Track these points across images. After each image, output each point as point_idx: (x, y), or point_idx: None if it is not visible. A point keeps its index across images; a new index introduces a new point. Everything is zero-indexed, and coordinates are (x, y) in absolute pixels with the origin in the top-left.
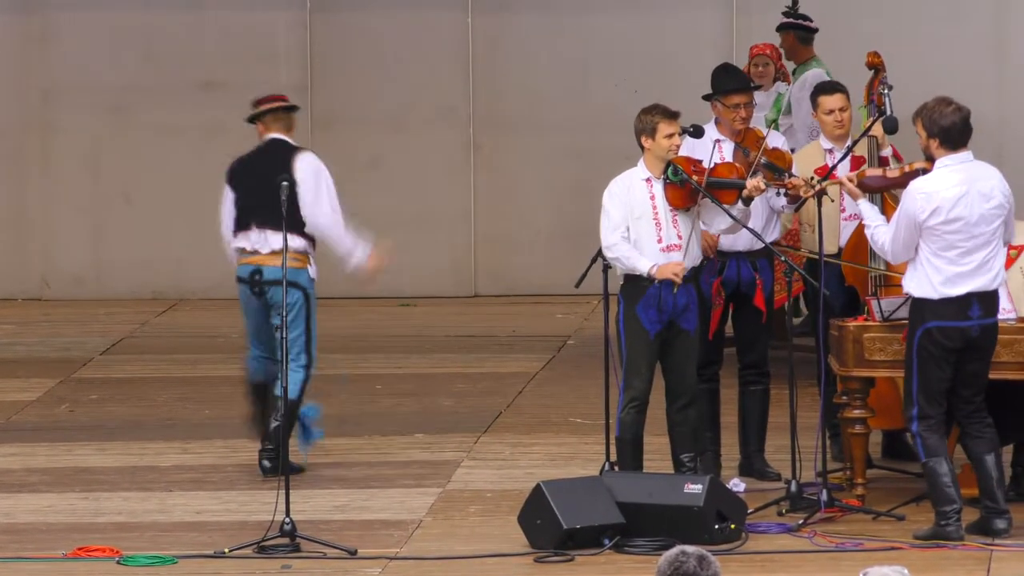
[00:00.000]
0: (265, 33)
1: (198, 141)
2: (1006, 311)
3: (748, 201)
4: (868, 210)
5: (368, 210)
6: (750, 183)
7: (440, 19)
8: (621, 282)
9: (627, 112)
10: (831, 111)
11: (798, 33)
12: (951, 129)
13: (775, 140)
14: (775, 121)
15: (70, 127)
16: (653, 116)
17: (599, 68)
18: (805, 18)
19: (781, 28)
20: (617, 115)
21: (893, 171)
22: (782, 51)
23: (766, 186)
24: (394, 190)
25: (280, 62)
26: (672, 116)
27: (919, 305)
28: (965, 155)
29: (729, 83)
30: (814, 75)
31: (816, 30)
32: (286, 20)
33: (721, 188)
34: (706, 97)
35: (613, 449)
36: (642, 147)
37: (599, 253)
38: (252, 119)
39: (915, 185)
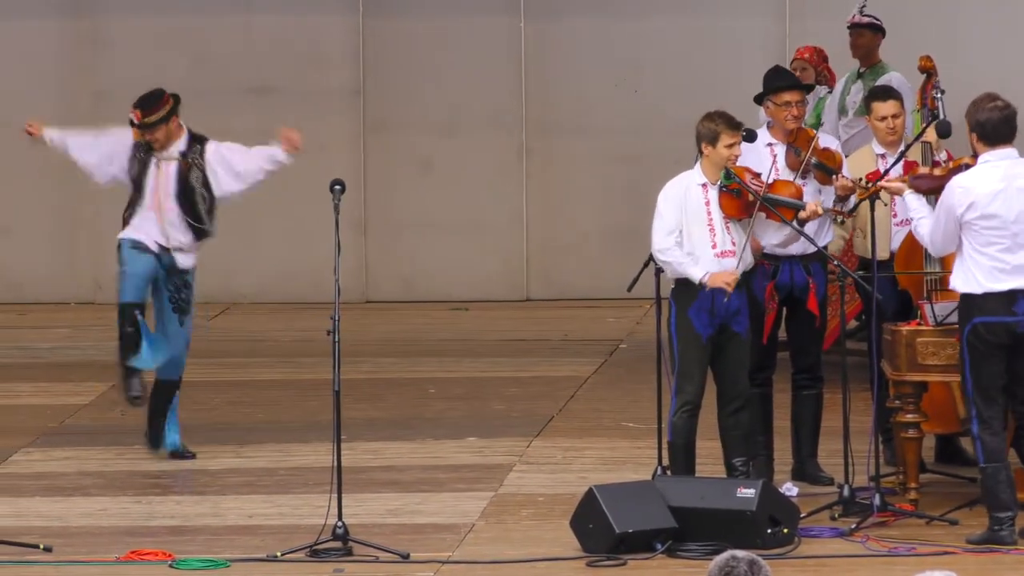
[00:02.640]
0: (317, 37)
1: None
2: None
3: (803, 223)
4: (913, 202)
5: (420, 214)
6: (808, 207)
7: (492, 24)
8: (672, 286)
9: (678, 116)
10: (883, 117)
11: (875, 33)
12: (986, 124)
13: (826, 140)
14: (814, 125)
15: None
16: (716, 124)
17: (650, 73)
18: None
19: (856, 27)
20: (668, 119)
21: (940, 170)
22: (828, 55)
23: (823, 211)
24: (446, 194)
25: (333, 66)
26: (735, 127)
27: (966, 301)
28: (1007, 151)
29: (779, 81)
30: (899, 79)
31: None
32: (339, 24)
33: (777, 206)
34: (757, 100)
35: (665, 453)
36: (701, 152)
37: (652, 257)
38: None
39: (956, 179)
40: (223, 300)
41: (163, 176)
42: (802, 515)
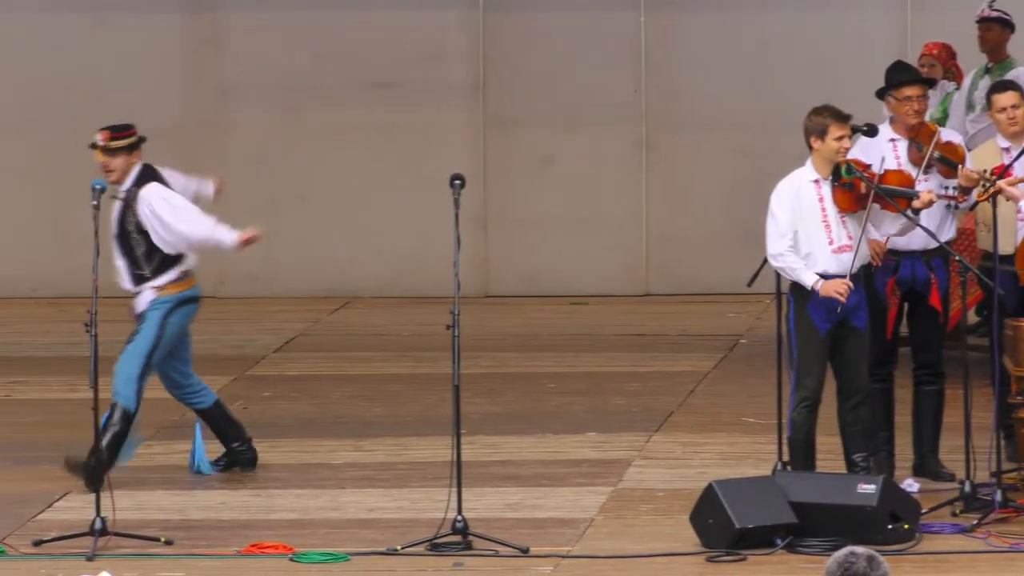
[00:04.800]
0: (438, 33)
1: (369, 140)
2: None
3: (917, 212)
4: None
5: (540, 209)
6: (923, 196)
7: (612, 18)
8: (791, 281)
9: (800, 111)
10: (1003, 108)
11: (1004, 28)
12: None
13: (948, 134)
14: (940, 120)
15: (242, 126)
16: (824, 117)
17: (772, 66)
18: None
19: (985, 21)
20: (789, 113)
21: None
22: (956, 51)
23: (938, 197)
24: (566, 189)
25: (452, 61)
26: (843, 119)
27: None
28: None
29: (900, 76)
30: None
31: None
32: (458, 19)
33: (891, 196)
34: (879, 94)
35: (786, 449)
36: (810, 147)
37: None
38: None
39: None
40: (343, 294)
41: (113, 215)
42: (923, 511)
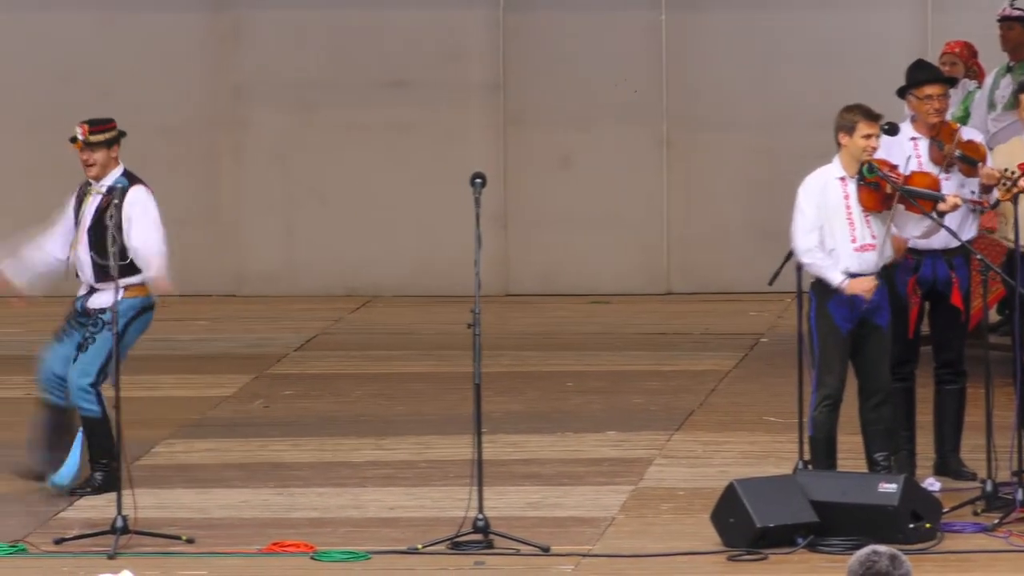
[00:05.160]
0: (457, 32)
1: (389, 139)
2: None
3: (942, 215)
4: None
5: (560, 207)
6: (948, 199)
7: (632, 17)
8: (812, 280)
9: (819, 110)
10: None
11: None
12: None
13: (969, 133)
14: (962, 119)
15: (261, 124)
16: (854, 115)
17: (791, 66)
18: None
19: (1007, 20)
20: (810, 112)
21: None
22: (977, 50)
23: (964, 201)
24: (586, 187)
25: (472, 60)
26: (873, 117)
27: None
28: None
29: (921, 75)
30: None
31: None
32: (478, 18)
33: (916, 197)
34: (900, 93)
35: (807, 447)
36: (839, 144)
37: (792, 251)
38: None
39: None
40: (364, 293)
41: (88, 208)
42: (944, 510)
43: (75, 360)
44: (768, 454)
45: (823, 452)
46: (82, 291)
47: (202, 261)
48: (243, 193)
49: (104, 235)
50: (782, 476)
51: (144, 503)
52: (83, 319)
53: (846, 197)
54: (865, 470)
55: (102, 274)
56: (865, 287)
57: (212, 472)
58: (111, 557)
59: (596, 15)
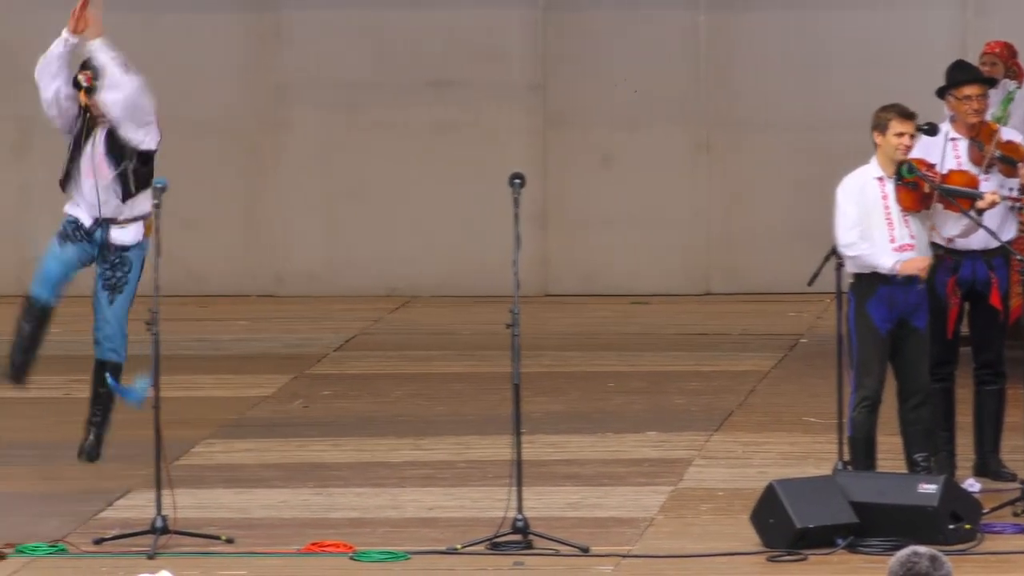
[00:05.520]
0: (497, 31)
1: (429, 139)
2: None
3: (981, 213)
4: None
5: (600, 208)
6: (986, 197)
7: (672, 17)
8: (851, 280)
9: (859, 110)
10: None
11: None
12: None
13: (1009, 133)
14: (1001, 119)
15: (302, 124)
16: (888, 113)
17: (831, 66)
18: None
19: None
20: (849, 113)
21: None
22: (1017, 50)
23: (1002, 198)
24: (626, 188)
25: (512, 60)
26: (907, 116)
27: None
28: None
29: (960, 75)
30: None
31: None
32: (519, 18)
33: (954, 196)
34: (939, 94)
35: (846, 448)
36: (875, 144)
37: (832, 251)
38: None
39: None
40: (404, 293)
41: (98, 140)
42: (984, 511)
43: (111, 303)
44: (808, 455)
45: (862, 453)
46: (87, 218)
47: (242, 261)
48: (284, 193)
49: (122, 153)
50: (822, 477)
51: (183, 503)
52: (100, 251)
53: (884, 197)
54: (905, 471)
55: (127, 194)
56: (919, 265)
57: (251, 472)
58: (150, 557)
59: (636, 15)
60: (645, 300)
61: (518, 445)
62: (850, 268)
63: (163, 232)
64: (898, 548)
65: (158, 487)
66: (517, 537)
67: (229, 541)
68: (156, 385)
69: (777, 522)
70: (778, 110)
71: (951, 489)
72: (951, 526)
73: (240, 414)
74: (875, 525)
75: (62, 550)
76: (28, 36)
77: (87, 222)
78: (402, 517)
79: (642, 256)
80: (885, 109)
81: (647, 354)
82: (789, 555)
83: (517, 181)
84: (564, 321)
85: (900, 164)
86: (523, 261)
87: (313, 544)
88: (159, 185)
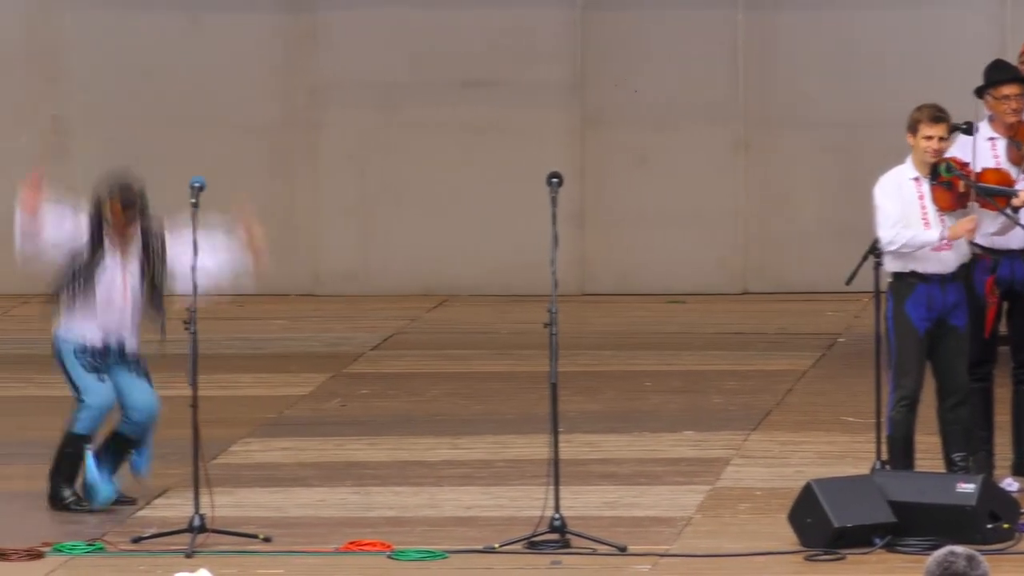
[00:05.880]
0: (535, 31)
1: (466, 139)
2: None
3: (1017, 210)
4: None
5: (637, 206)
6: (1022, 195)
7: (710, 16)
8: (889, 279)
9: (897, 109)
10: None
11: None
12: None
13: None
14: None
15: (337, 124)
16: (919, 114)
17: (869, 65)
18: None
19: None
20: (887, 112)
21: None
22: None
23: None
24: (664, 187)
25: (549, 60)
26: (937, 119)
27: None
28: None
29: (998, 75)
30: None
31: None
32: (556, 18)
33: (990, 194)
34: (978, 93)
35: (884, 448)
36: (909, 144)
37: (870, 250)
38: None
39: None
40: (441, 292)
41: (129, 272)
42: (1022, 510)
43: (149, 385)
44: (845, 454)
45: (901, 452)
46: (99, 339)
47: (280, 261)
48: (320, 193)
49: (158, 292)
50: (859, 476)
51: (221, 502)
52: (122, 358)
53: (920, 197)
54: (943, 470)
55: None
56: (967, 227)
57: (289, 471)
58: (188, 556)
59: (673, 14)
60: (682, 299)
61: (555, 444)
62: (889, 267)
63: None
64: (936, 548)
65: (196, 486)
66: (554, 536)
67: (266, 540)
68: (194, 384)
69: (815, 521)
70: (816, 109)
71: (989, 488)
72: (989, 525)
73: (278, 413)
74: (913, 524)
75: (100, 548)
76: (67, 36)
77: (106, 344)
78: (440, 516)
79: (679, 255)
80: (918, 110)
81: (684, 353)
82: (827, 555)
83: (555, 180)
84: (601, 320)
85: (939, 163)
86: (561, 260)
87: (351, 543)
88: (196, 184)
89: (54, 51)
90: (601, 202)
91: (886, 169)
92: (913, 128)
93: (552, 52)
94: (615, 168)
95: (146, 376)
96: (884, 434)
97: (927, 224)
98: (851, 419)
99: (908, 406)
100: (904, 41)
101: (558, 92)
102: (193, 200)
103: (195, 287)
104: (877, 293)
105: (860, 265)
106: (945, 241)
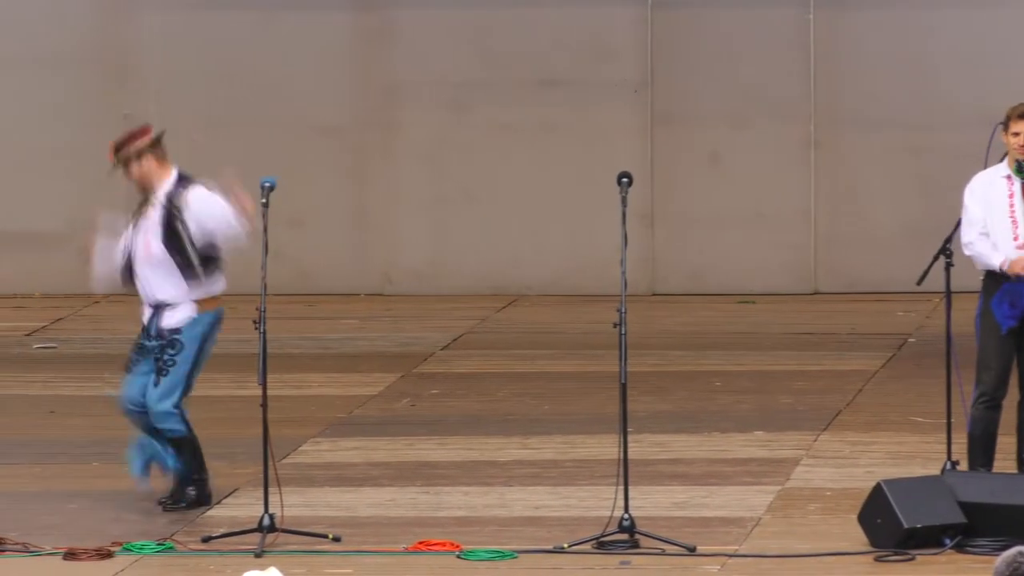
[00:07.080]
0: (604, 29)
1: (537, 138)
2: None
3: None
4: None
5: (707, 206)
6: None
7: (781, 15)
8: (981, 278)
9: (970, 108)
10: None
11: None
12: None
13: None
14: None
15: (411, 124)
16: (1012, 111)
17: (940, 64)
18: None
19: None
20: (959, 111)
21: None
22: None
23: None
24: (734, 186)
25: (619, 58)
26: (1022, 116)
27: None
28: None
29: None
30: None
31: None
32: (626, 16)
33: None
34: None
35: (955, 448)
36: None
37: (941, 250)
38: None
39: None
40: (510, 292)
41: (150, 223)
42: None
43: (156, 384)
44: (915, 455)
45: (979, 450)
46: (146, 315)
47: (351, 260)
48: (392, 192)
49: (182, 244)
50: (930, 476)
51: (291, 501)
52: (154, 341)
53: (1010, 196)
54: (1015, 471)
55: (192, 279)
56: (1022, 266)
57: (359, 471)
58: (258, 555)
59: (743, 12)
60: (752, 299)
61: (624, 444)
62: (978, 266)
63: (270, 231)
64: (1006, 548)
65: (266, 485)
66: (623, 536)
67: (336, 540)
68: (264, 384)
69: (885, 522)
70: (887, 108)
71: None
72: None
73: (348, 413)
74: (984, 525)
75: (170, 548)
76: (140, 36)
77: (144, 312)
78: (509, 516)
79: (749, 255)
80: (1013, 107)
81: (754, 353)
82: (897, 555)
83: (625, 180)
84: (671, 320)
85: (1019, 162)
86: (630, 260)
87: (420, 543)
88: (267, 184)
89: (127, 51)
90: (671, 201)
91: (957, 167)
92: (1005, 125)
93: (622, 51)
94: (685, 167)
95: (164, 372)
96: (957, 434)
97: (1015, 223)
98: (921, 420)
99: (987, 403)
100: (975, 40)
101: (628, 91)
102: (264, 200)
103: (264, 286)
104: (948, 293)
105: (931, 265)
106: (1006, 267)
